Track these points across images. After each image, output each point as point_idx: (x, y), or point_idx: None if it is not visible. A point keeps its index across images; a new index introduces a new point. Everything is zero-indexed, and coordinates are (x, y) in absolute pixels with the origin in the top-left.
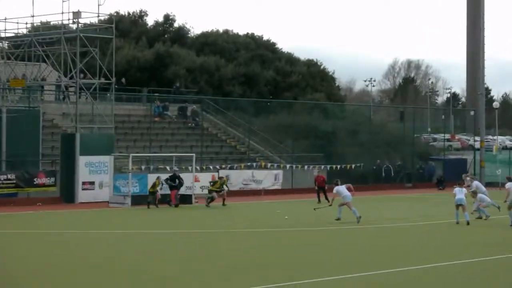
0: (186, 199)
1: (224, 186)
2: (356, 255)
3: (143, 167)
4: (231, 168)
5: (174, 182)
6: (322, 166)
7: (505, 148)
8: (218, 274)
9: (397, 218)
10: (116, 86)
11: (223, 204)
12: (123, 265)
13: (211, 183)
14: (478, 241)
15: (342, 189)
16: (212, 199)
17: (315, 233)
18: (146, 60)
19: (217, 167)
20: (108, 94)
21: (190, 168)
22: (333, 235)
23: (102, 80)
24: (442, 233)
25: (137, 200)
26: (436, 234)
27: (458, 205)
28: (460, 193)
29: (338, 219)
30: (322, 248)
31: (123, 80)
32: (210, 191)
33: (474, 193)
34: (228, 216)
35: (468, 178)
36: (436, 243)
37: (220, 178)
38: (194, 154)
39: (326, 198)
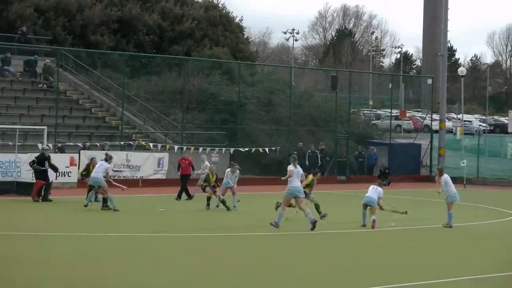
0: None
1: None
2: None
3: None
4: (97, 148)
5: (43, 165)
6: (224, 149)
7: (471, 132)
8: None
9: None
10: None
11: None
12: None
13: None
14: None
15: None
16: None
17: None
18: None
19: (80, 144)
20: None
21: (39, 145)
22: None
23: None
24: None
25: None
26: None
27: (365, 205)
28: (373, 192)
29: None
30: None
31: None
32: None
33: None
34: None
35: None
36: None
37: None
38: (45, 127)
39: (187, 193)
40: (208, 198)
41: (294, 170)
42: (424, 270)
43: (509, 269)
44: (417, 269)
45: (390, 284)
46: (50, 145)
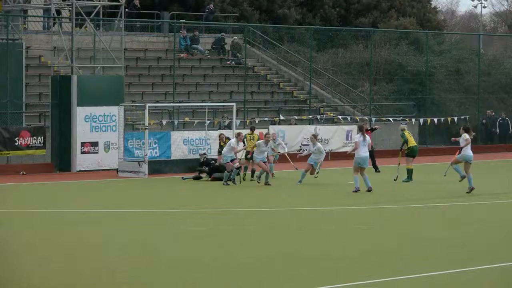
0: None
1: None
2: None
3: (164, 121)
4: (285, 123)
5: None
6: (413, 120)
7: None
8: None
9: None
10: (127, 10)
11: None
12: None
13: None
14: None
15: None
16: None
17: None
18: None
19: (268, 119)
20: (115, 22)
21: (226, 122)
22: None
23: (107, 2)
24: None
25: (157, 167)
26: None
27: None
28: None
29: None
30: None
31: (137, 1)
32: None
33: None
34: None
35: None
36: None
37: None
38: (234, 104)
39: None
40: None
41: (361, 141)
42: None
43: None
44: None
45: None
46: (240, 120)
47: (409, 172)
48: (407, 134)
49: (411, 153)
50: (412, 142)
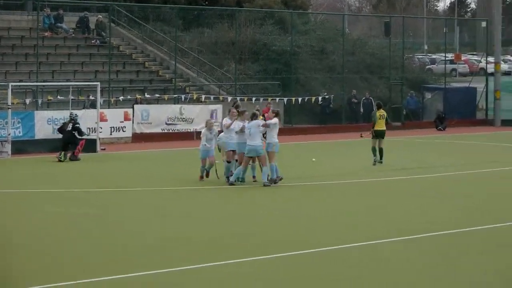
0: (88, 146)
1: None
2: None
3: (27, 100)
4: (150, 102)
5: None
6: (277, 99)
7: None
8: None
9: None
10: None
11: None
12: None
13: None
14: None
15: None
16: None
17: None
18: None
19: (133, 97)
20: None
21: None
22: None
23: None
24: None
25: (20, 147)
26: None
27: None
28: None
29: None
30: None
31: None
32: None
33: None
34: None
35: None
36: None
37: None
38: (99, 83)
39: None
40: None
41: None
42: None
43: None
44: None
45: None
46: (104, 100)
47: None
48: None
49: None
50: None
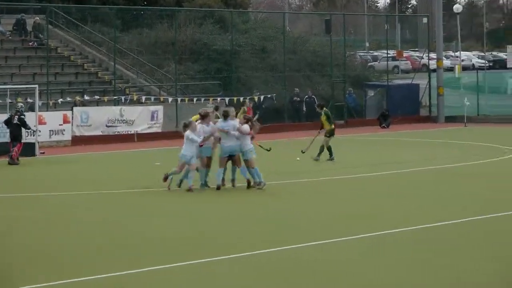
0: (27, 150)
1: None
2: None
3: None
4: (90, 104)
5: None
6: (219, 99)
7: (471, 68)
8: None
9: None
10: None
11: None
12: None
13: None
14: None
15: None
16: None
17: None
18: None
19: (72, 99)
20: None
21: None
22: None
23: None
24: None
25: None
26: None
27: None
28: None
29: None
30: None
31: None
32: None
33: None
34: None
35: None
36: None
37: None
38: (37, 85)
39: None
40: None
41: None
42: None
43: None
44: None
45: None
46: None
47: None
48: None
49: None
50: None
